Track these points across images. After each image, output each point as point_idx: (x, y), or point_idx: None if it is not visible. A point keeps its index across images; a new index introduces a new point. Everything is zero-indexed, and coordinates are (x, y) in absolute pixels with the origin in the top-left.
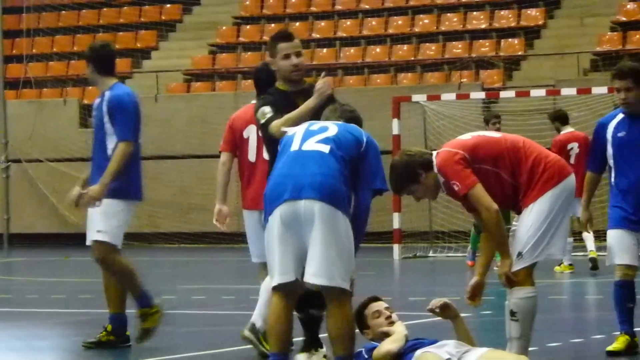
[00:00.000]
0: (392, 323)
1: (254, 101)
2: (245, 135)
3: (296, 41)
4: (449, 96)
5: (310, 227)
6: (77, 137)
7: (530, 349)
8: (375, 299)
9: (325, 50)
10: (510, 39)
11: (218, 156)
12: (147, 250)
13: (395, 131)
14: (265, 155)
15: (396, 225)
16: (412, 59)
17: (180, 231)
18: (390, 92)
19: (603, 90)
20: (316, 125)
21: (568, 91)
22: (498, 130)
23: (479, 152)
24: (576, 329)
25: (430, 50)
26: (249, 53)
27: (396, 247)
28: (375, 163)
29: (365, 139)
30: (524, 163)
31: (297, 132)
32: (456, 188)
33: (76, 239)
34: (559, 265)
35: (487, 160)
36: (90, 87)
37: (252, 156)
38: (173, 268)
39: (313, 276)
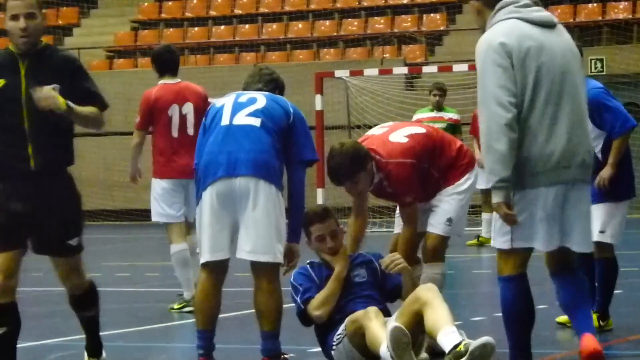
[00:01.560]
0: (334, 253)
1: (168, 81)
2: (169, 113)
3: None
4: (371, 71)
5: (245, 203)
6: None
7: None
8: (323, 217)
9: (247, 26)
10: (432, 14)
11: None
12: None
13: (318, 107)
14: (190, 131)
15: (320, 200)
16: (335, 34)
17: (104, 208)
18: (313, 68)
19: None
20: (244, 96)
21: None
22: (439, 102)
23: (420, 154)
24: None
25: (352, 26)
26: (171, 29)
27: None
28: (304, 134)
29: (292, 110)
30: (448, 151)
31: (226, 103)
32: (408, 199)
33: None
34: (476, 238)
35: (424, 160)
36: None
37: (175, 132)
38: (98, 245)
39: (251, 253)
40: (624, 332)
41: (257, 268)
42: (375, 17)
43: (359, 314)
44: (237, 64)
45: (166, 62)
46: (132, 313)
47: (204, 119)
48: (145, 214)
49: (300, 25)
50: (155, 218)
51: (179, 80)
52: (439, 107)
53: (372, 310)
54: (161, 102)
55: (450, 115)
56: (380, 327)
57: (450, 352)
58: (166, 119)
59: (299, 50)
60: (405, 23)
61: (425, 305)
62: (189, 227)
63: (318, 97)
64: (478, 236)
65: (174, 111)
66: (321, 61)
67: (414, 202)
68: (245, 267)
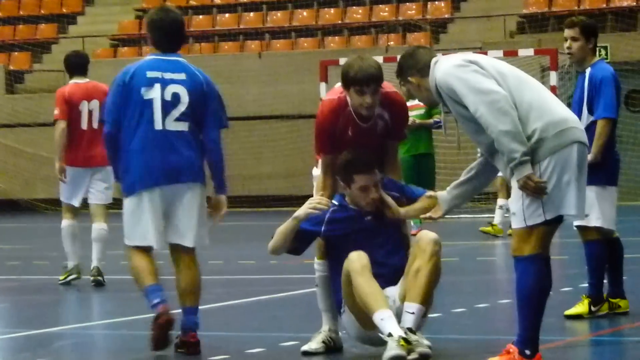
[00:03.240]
0: (375, 204)
1: (78, 80)
2: (80, 108)
3: None
4: (376, 59)
5: (181, 202)
6: (3, 104)
7: (433, 315)
8: (370, 166)
9: (252, 14)
10: (437, 2)
11: None
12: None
13: (322, 95)
14: (94, 125)
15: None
16: (339, 22)
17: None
18: (318, 56)
19: (529, 52)
20: (169, 89)
21: (495, 53)
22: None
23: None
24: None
25: (357, 14)
26: None
27: None
28: (219, 102)
29: (206, 81)
30: None
31: (155, 101)
32: (405, 132)
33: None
34: (491, 226)
35: None
36: (16, 53)
37: (84, 124)
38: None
39: (186, 240)
40: (629, 319)
41: (184, 250)
42: (380, 5)
43: (346, 263)
44: (242, 52)
45: (74, 65)
46: (134, 301)
47: (116, 98)
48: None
49: (305, 13)
50: (60, 197)
51: (88, 80)
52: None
53: (358, 258)
54: (74, 99)
55: None
56: (369, 285)
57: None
58: (77, 113)
59: (303, 38)
60: (410, 11)
61: (417, 269)
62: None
63: (322, 85)
64: (491, 223)
65: (83, 107)
66: (326, 49)
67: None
68: (215, 255)
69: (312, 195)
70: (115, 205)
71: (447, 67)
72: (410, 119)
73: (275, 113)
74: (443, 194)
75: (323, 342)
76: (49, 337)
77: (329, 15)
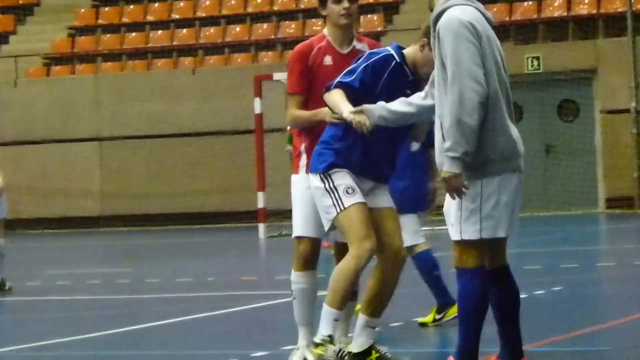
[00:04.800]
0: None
1: None
2: None
3: None
4: None
5: None
6: None
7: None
8: None
9: (185, 30)
10: (369, 15)
11: (80, 140)
12: (10, 236)
13: (257, 110)
14: None
15: (261, 204)
16: (273, 37)
17: (42, 216)
18: (252, 71)
19: None
20: None
21: None
22: None
23: None
24: None
25: (290, 28)
26: (108, 35)
27: (261, 226)
28: None
29: None
30: None
31: None
32: None
33: None
34: None
35: None
36: None
37: None
38: (37, 254)
39: None
40: (564, 329)
41: None
42: (313, 20)
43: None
44: (176, 69)
45: None
46: (73, 321)
47: None
48: (84, 221)
49: (238, 29)
50: None
51: None
52: None
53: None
54: None
55: None
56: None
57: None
58: None
59: (237, 54)
60: None
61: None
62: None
63: (257, 101)
64: None
65: None
66: (260, 64)
67: None
68: (153, 273)
69: (249, 211)
70: None
71: (452, 21)
72: None
73: (210, 129)
74: (370, 107)
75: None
76: None
77: (262, 30)
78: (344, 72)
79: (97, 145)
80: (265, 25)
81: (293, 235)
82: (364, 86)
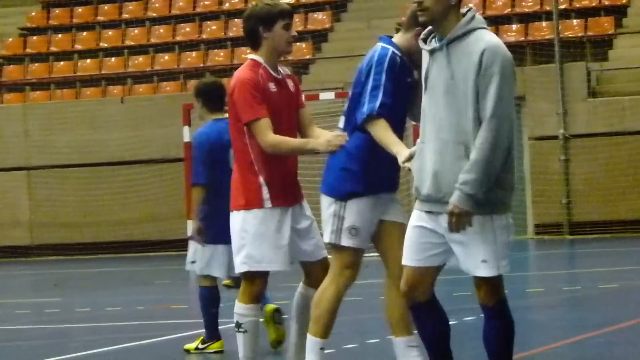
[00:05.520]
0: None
1: None
2: None
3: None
4: None
5: None
6: None
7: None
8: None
9: (113, 59)
10: (298, 43)
11: (8, 169)
12: None
13: (186, 138)
14: None
15: (190, 232)
16: (201, 65)
17: None
18: (181, 99)
19: None
20: None
21: None
22: None
23: None
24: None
25: (218, 57)
26: (36, 64)
27: None
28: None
29: None
30: None
31: None
32: None
33: None
34: None
35: None
36: None
37: None
38: None
39: None
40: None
41: None
42: (242, 47)
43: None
44: (104, 97)
45: None
46: (1, 352)
47: None
48: (14, 251)
49: (166, 57)
50: None
51: None
52: None
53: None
54: None
55: None
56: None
57: None
58: None
59: (166, 82)
60: None
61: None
62: None
63: (186, 129)
64: None
65: None
66: (188, 92)
67: None
68: (81, 302)
69: (179, 240)
70: None
71: (506, 56)
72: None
73: (139, 158)
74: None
75: None
76: None
77: (191, 58)
78: (369, 90)
79: (25, 175)
80: (193, 54)
81: (249, 269)
82: (393, 97)
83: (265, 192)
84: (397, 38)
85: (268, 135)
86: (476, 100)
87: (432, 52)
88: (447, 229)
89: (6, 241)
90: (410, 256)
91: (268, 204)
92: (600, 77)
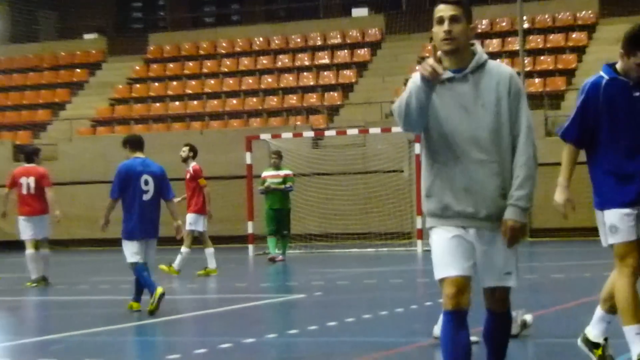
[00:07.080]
0: None
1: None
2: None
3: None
4: (287, 135)
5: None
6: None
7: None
8: None
9: (195, 102)
10: (331, 92)
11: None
12: None
13: (248, 161)
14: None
15: (250, 230)
16: (260, 107)
17: None
18: (244, 133)
19: (399, 129)
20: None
21: (374, 130)
22: (275, 163)
23: None
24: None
25: (272, 102)
26: (138, 105)
27: (250, 247)
28: None
29: None
30: None
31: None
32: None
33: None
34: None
35: None
36: (21, 132)
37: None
38: None
39: None
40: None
41: None
42: (290, 95)
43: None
44: (188, 130)
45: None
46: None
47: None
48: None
49: (234, 101)
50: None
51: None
52: (276, 167)
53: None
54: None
55: (285, 171)
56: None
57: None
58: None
59: (233, 119)
60: (312, 99)
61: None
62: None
63: (248, 154)
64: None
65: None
66: (250, 127)
67: None
68: None
69: (241, 236)
70: None
71: (519, 81)
72: (267, 183)
73: (213, 175)
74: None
75: None
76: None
77: (252, 102)
78: (570, 117)
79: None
80: (254, 99)
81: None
82: (582, 131)
83: None
84: (618, 63)
85: None
86: (509, 120)
87: (450, 80)
88: (476, 241)
89: None
90: (456, 265)
91: None
92: (555, 121)
